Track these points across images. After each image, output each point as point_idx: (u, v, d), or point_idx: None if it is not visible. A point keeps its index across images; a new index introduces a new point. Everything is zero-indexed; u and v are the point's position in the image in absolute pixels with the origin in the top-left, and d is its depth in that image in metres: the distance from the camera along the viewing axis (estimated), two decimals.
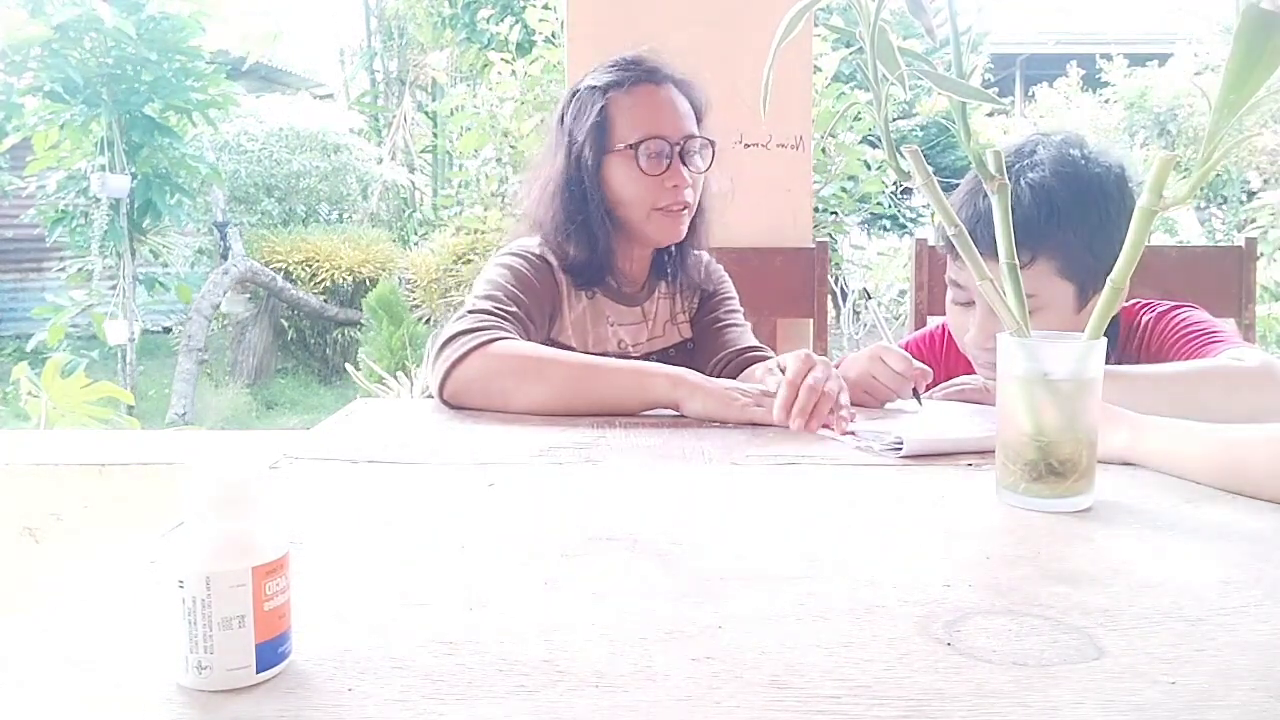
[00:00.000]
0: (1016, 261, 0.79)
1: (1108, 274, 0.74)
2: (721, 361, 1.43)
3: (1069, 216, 1.10)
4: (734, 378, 1.35)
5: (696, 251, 1.49)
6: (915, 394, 1.17)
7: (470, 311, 1.25)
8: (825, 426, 1.06)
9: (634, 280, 1.46)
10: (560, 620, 0.53)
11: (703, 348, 1.49)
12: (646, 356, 1.43)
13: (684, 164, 1.35)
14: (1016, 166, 1.13)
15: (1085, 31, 11.52)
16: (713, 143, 1.40)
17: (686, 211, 1.38)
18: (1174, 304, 1.26)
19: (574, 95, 1.41)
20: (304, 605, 0.53)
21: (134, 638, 0.51)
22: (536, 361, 1.17)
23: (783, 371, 1.10)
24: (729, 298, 1.54)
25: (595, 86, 1.38)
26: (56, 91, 5.40)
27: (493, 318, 1.24)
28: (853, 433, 1.03)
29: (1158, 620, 0.54)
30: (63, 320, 5.43)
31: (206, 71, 5.71)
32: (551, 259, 1.38)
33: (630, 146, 1.34)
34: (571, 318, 1.40)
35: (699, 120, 1.40)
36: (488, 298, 1.28)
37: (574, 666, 0.48)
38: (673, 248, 1.45)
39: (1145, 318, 1.26)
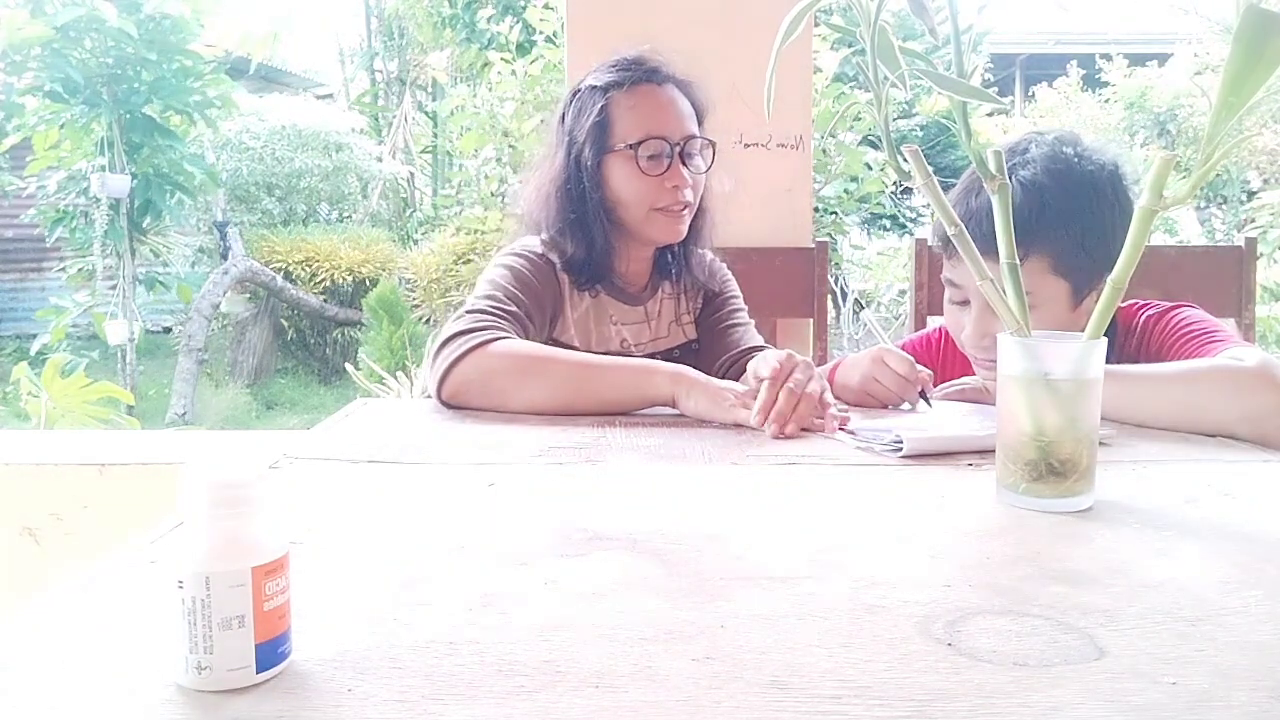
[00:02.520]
0: (1017, 261, 0.79)
1: (1102, 271, 0.74)
2: (726, 362, 1.43)
3: (1060, 213, 1.11)
4: (737, 379, 1.35)
5: (700, 251, 1.50)
6: (924, 397, 1.17)
7: (469, 312, 1.25)
8: (807, 430, 1.05)
9: (636, 280, 1.46)
10: (560, 620, 0.53)
11: (708, 348, 1.49)
12: (651, 357, 1.43)
13: (684, 164, 1.36)
14: (1010, 164, 1.14)
15: (1085, 31, 11.52)
16: (713, 143, 1.40)
17: (687, 212, 1.38)
18: (1172, 304, 1.26)
19: (575, 95, 1.41)
20: (304, 605, 0.53)
21: (134, 638, 0.51)
22: (535, 360, 1.17)
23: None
24: (733, 297, 1.53)
25: (596, 86, 1.38)
26: (56, 91, 5.40)
27: (490, 317, 1.24)
28: (846, 429, 1.03)
29: (1158, 620, 0.54)
30: (65, 322, 5.44)
31: (206, 72, 5.71)
32: (554, 258, 1.38)
33: (631, 146, 1.34)
34: (574, 317, 1.40)
35: (700, 121, 1.40)
36: (487, 297, 1.28)
37: (574, 666, 0.48)
38: (676, 247, 1.45)
39: (1143, 317, 1.26)
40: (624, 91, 1.36)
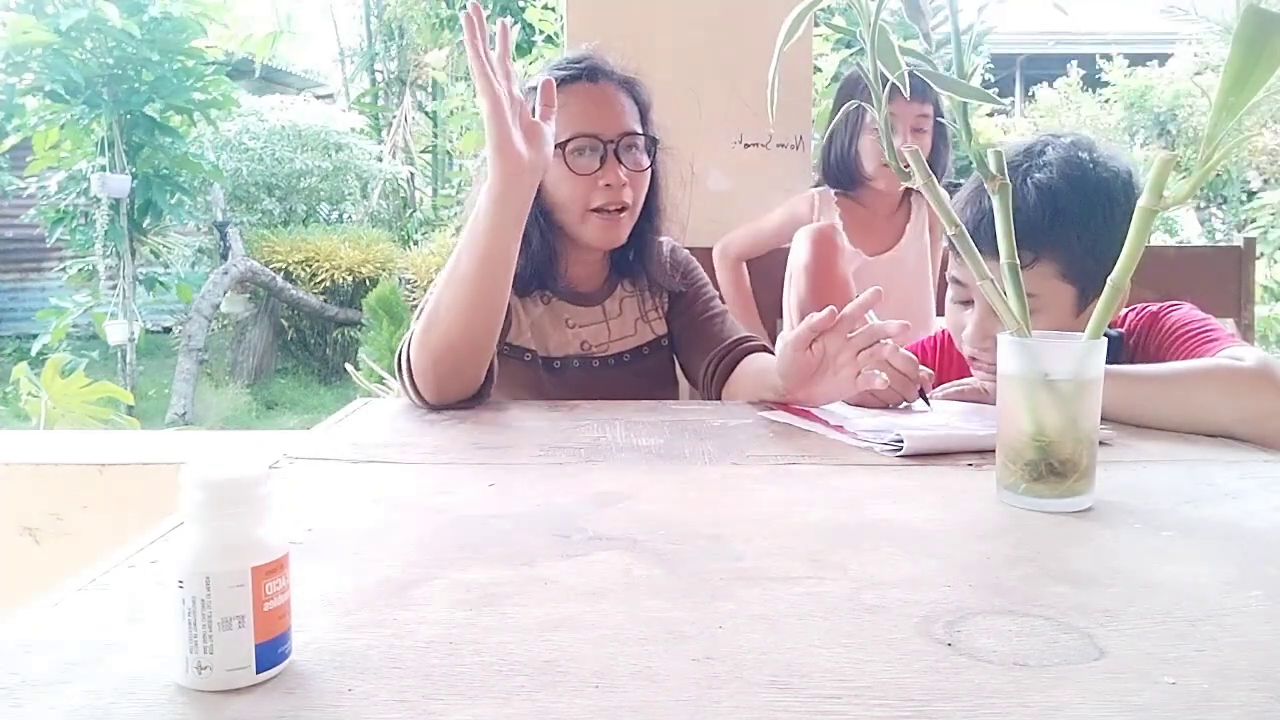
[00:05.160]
0: (1017, 261, 0.79)
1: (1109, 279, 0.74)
2: (717, 356, 1.41)
3: (1073, 219, 1.10)
4: (733, 369, 1.34)
5: (660, 241, 1.46)
6: (923, 396, 1.17)
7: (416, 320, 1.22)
8: (838, 429, 1.06)
9: (589, 281, 1.43)
10: (560, 620, 0.53)
11: (687, 344, 1.46)
12: (619, 356, 1.41)
13: (621, 162, 1.32)
14: (1024, 166, 1.13)
15: (1085, 31, 11.51)
16: (653, 139, 1.36)
17: (625, 214, 1.34)
18: (1166, 303, 1.25)
19: None
20: (304, 605, 0.53)
21: (134, 638, 0.51)
22: (432, 302, 1.14)
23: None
24: (703, 287, 1.50)
25: (533, 87, 1.36)
26: (57, 91, 5.41)
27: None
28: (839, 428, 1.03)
29: (1158, 620, 0.54)
30: (65, 322, 5.45)
31: (207, 72, 5.72)
32: None
33: (559, 146, 1.30)
34: (528, 322, 1.38)
35: (644, 118, 1.37)
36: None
37: (574, 666, 0.48)
38: (631, 244, 1.41)
39: (1140, 316, 1.26)
40: (556, 91, 1.34)
